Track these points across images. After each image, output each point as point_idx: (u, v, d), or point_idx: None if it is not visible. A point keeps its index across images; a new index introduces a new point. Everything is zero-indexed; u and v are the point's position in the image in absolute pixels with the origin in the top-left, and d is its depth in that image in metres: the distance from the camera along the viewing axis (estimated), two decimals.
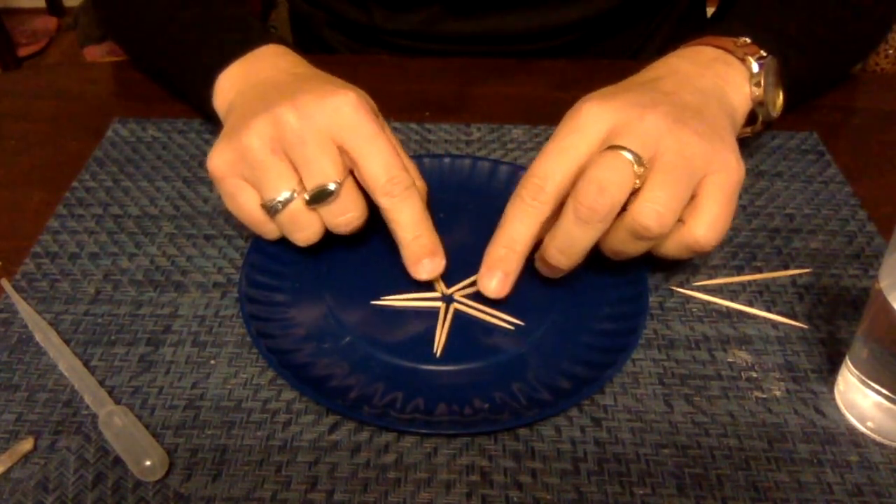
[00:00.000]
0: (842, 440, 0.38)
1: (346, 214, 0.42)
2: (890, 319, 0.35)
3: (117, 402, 0.40)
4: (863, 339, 0.38)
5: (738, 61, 0.48)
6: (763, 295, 0.46)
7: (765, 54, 0.48)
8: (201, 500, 0.36)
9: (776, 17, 0.53)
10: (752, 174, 0.55)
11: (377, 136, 0.42)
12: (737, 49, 0.48)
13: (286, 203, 0.42)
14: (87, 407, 0.39)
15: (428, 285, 0.46)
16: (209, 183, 0.54)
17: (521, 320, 0.44)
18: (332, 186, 0.41)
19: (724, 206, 0.40)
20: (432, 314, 0.44)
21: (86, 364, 0.41)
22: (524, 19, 0.69)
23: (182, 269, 0.47)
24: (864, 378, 0.38)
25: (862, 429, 0.39)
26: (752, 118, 0.49)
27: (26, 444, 0.37)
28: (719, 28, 0.52)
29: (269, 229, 0.44)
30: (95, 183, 0.54)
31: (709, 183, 0.40)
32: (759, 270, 0.48)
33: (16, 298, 0.45)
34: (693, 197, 0.40)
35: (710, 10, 0.82)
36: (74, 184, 0.54)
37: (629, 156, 0.39)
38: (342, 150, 0.42)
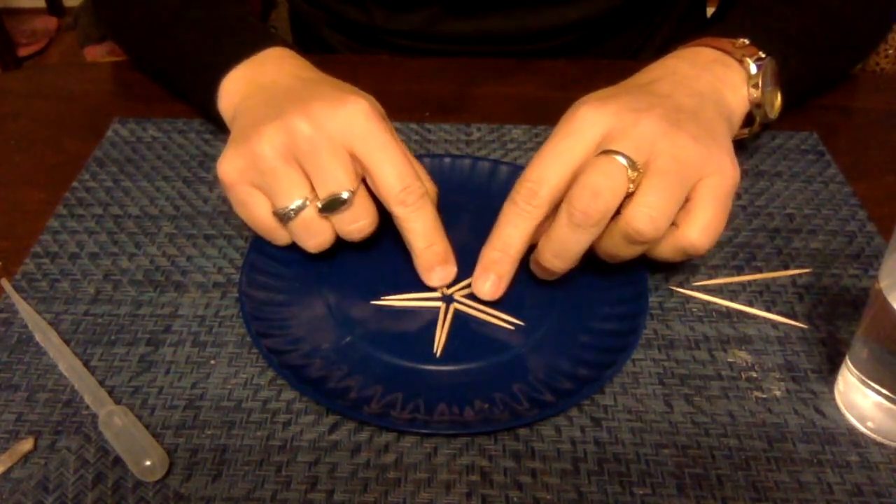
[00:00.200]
0: (842, 440, 0.38)
1: (358, 222, 0.43)
2: (890, 319, 0.35)
3: (117, 402, 0.40)
4: (863, 339, 0.38)
5: (737, 62, 0.48)
6: (763, 295, 0.46)
7: (763, 55, 0.48)
8: (201, 500, 0.36)
9: (775, 19, 0.53)
10: (752, 174, 0.55)
11: (390, 144, 0.42)
12: (735, 50, 0.48)
13: (298, 211, 0.42)
14: (87, 407, 0.39)
15: (429, 286, 0.46)
16: (209, 183, 0.54)
17: (521, 320, 0.44)
18: (345, 195, 0.41)
19: (719, 209, 0.40)
20: (432, 314, 0.44)
21: (86, 364, 0.41)
22: (524, 19, 0.69)
23: (182, 269, 0.47)
24: (864, 378, 0.38)
25: (862, 429, 0.39)
26: (749, 119, 0.49)
27: (26, 444, 0.37)
28: (718, 29, 0.52)
29: (279, 236, 0.44)
30: (95, 183, 0.54)
31: (703, 186, 0.40)
32: (759, 270, 0.48)
33: (16, 298, 0.45)
34: (687, 200, 0.40)
35: (710, 10, 0.82)
36: (74, 184, 0.54)
37: (623, 160, 0.39)
38: (354, 158, 0.42)
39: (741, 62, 0.48)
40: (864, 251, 0.49)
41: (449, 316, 0.44)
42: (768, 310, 0.45)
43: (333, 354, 0.42)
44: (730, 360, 0.42)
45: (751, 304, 0.45)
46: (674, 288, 0.46)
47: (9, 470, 0.37)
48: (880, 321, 0.36)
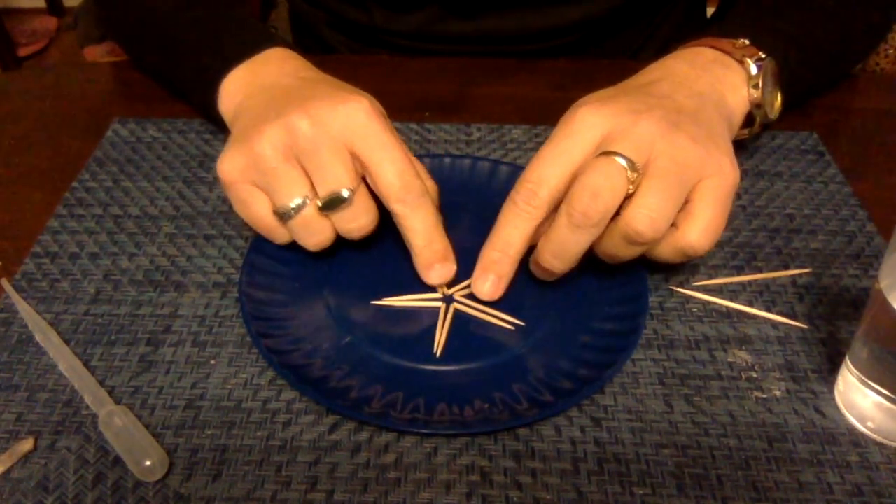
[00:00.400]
0: (842, 440, 0.38)
1: (358, 220, 0.43)
2: (890, 319, 0.35)
3: (117, 402, 0.40)
4: (863, 339, 0.38)
5: (737, 63, 0.48)
6: (763, 295, 0.46)
7: (763, 56, 0.48)
8: (201, 500, 0.36)
9: (775, 19, 0.53)
10: (752, 174, 0.55)
11: (390, 143, 0.42)
12: (735, 50, 0.48)
13: (299, 209, 0.42)
14: (87, 407, 0.39)
15: (429, 286, 0.46)
16: (209, 183, 0.54)
17: (522, 320, 0.44)
18: (345, 193, 0.41)
19: (718, 210, 0.40)
20: (432, 314, 0.44)
21: (86, 364, 0.41)
22: (524, 20, 0.69)
23: (182, 269, 0.47)
24: (864, 378, 0.38)
25: (862, 429, 0.39)
26: (750, 120, 0.49)
27: (26, 444, 0.37)
28: (718, 29, 0.52)
29: (280, 234, 0.44)
30: (95, 183, 0.54)
31: (703, 188, 0.40)
32: (759, 270, 0.48)
33: (16, 298, 0.45)
34: (687, 202, 0.40)
35: (710, 10, 0.82)
36: (74, 184, 0.54)
37: (623, 161, 0.39)
38: (354, 157, 0.42)
39: (741, 63, 0.48)
40: (864, 251, 0.49)
41: (449, 316, 0.44)
42: (768, 310, 0.45)
43: (333, 354, 0.42)
44: (730, 360, 0.42)
45: (751, 304, 0.45)
46: (674, 288, 0.46)
47: (9, 470, 0.37)
48: (880, 321, 0.36)
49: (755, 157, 0.57)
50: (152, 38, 0.58)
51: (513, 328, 0.44)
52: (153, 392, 0.40)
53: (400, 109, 0.61)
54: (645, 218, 0.38)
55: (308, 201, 0.42)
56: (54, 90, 0.65)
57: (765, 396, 0.40)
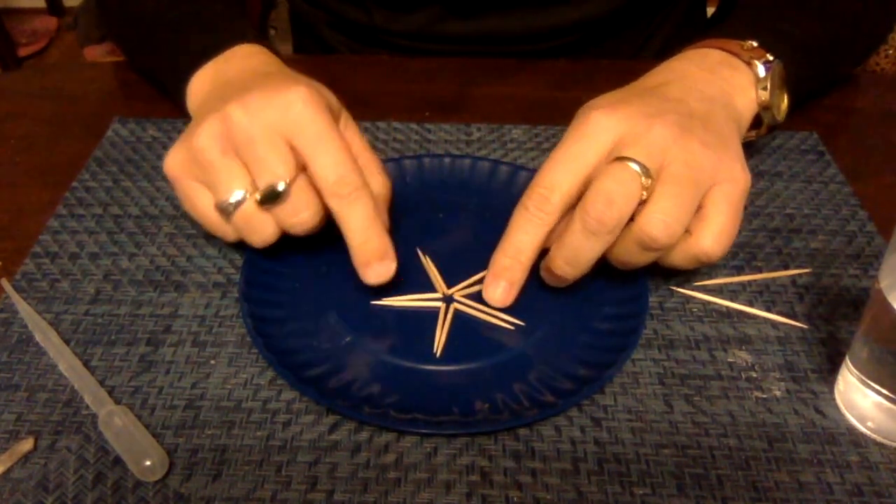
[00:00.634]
0: (842, 440, 0.38)
1: (298, 215, 0.41)
2: (890, 319, 0.35)
3: (117, 402, 0.40)
4: (863, 339, 0.38)
5: (745, 65, 0.48)
6: (763, 295, 0.46)
7: (771, 58, 0.48)
8: (201, 500, 0.36)
9: (781, 20, 0.53)
10: (752, 174, 0.54)
11: (326, 133, 0.41)
12: (743, 52, 0.48)
13: (238, 204, 0.41)
14: (87, 407, 0.39)
15: (428, 285, 0.46)
16: None
17: (522, 320, 0.44)
18: (281, 186, 0.40)
19: (731, 216, 0.40)
20: (432, 314, 0.44)
21: (86, 364, 0.41)
22: (524, 20, 0.69)
23: (182, 269, 0.47)
24: (864, 378, 0.38)
25: (862, 429, 0.39)
26: (757, 122, 0.49)
27: (26, 444, 0.37)
28: (725, 30, 0.51)
29: (225, 231, 0.43)
30: (95, 183, 0.54)
31: (715, 193, 0.40)
32: (759, 270, 0.48)
33: (16, 298, 0.45)
34: (700, 207, 0.40)
35: (710, 11, 0.82)
36: (74, 184, 0.54)
37: (636, 167, 0.39)
38: (293, 149, 0.41)
39: (749, 64, 0.48)
40: (864, 251, 0.49)
41: (449, 316, 0.44)
42: (768, 310, 0.45)
43: (333, 354, 0.42)
44: (730, 360, 0.42)
45: (751, 304, 0.45)
46: (674, 288, 0.46)
47: (9, 470, 0.37)
48: (880, 321, 0.36)
49: (755, 157, 0.57)
50: (140, 38, 0.58)
51: (513, 328, 0.44)
52: (153, 392, 0.40)
53: (400, 109, 0.61)
54: (660, 223, 0.38)
55: (248, 196, 0.41)
56: (54, 90, 0.65)
57: (765, 396, 0.40)
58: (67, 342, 0.42)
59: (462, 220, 0.51)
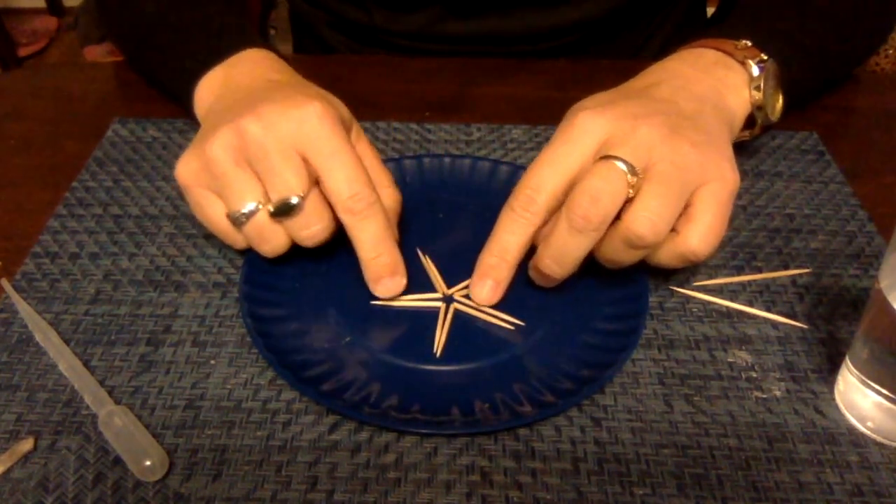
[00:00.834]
0: (842, 440, 0.38)
1: (310, 228, 0.42)
2: (890, 319, 0.35)
3: (117, 402, 0.40)
4: (863, 339, 0.38)
5: (739, 64, 0.48)
6: (763, 295, 0.46)
7: (765, 57, 0.48)
8: (201, 500, 0.36)
9: (778, 20, 0.53)
10: (752, 174, 0.55)
11: (341, 149, 0.41)
12: (737, 52, 0.48)
13: (251, 215, 0.41)
14: (87, 407, 0.39)
15: (428, 285, 0.46)
16: None
17: (522, 320, 0.44)
18: (294, 200, 0.40)
19: (718, 215, 0.40)
20: (432, 314, 0.44)
21: (86, 364, 0.41)
22: (525, 20, 0.69)
23: (182, 269, 0.47)
24: (864, 378, 0.38)
25: (862, 429, 0.39)
26: (751, 121, 0.49)
27: (26, 444, 0.37)
28: (720, 30, 0.51)
29: (235, 239, 0.44)
30: (95, 183, 0.54)
31: (703, 192, 0.40)
32: (759, 270, 0.48)
33: (16, 298, 0.45)
34: (687, 206, 0.40)
35: (710, 11, 0.82)
36: (74, 184, 0.54)
37: (622, 166, 0.39)
38: (307, 162, 0.41)
39: (743, 64, 0.48)
40: (864, 251, 0.49)
41: (449, 316, 0.44)
42: (768, 310, 0.45)
43: (333, 354, 0.42)
44: (730, 360, 0.42)
45: (751, 304, 0.45)
46: (674, 288, 0.46)
47: (9, 470, 0.37)
48: (880, 321, 0.36)
49: (755, 157, 0.57)
50: (142, 41, 0.58)
51: (513, 328, 0.44)
52: (153, 392, 0.40)
53: (400, 109, 0.61)
54: (645, 221, 0.38)
55: (261, 207, 0.41)
56: (54, 90, 0.65)
57: (765, 396, 0.40)
58: (67, 342, 0.42)
59: (462, 220, 0.51)
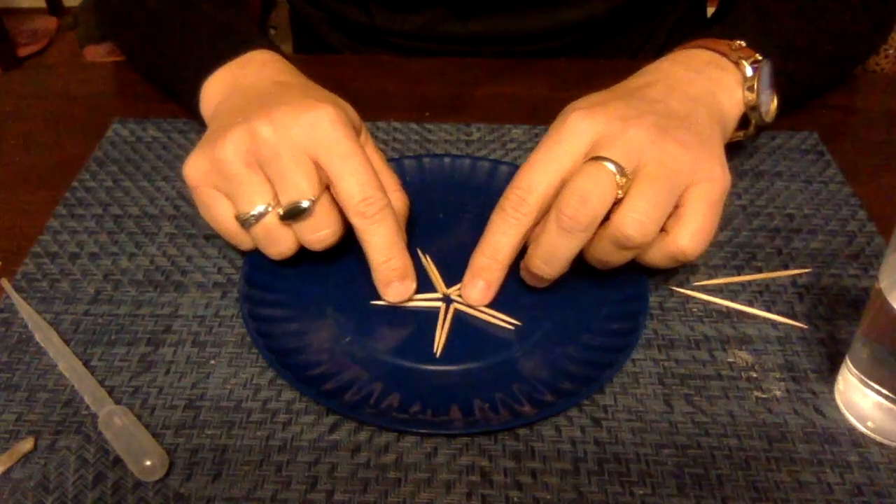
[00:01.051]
0: (842, 440, 0.38)
1: (319, 232, 0.42)
2: (890, 319, 0.35)
3: (117, 402, 0.40)
4: (863, 339, 0.38)
5: (732, 65, 0.48)
6: (763, 295, 0.46)
7: (759, 58, 0.48)
8: (201, 500, 0.36)
9: (773, 21, 0.53)
10: (752, 174, 0.55)
11: (353, 153, 0.41)
12: (731, 52, 0.48)
13: (260, 217, 0.41)
14: (87, 407, 0.39)
15: (428, 285, 0.46)
16: None
17: (521, 320, 0.44)
18: (305, 203, 0.41)
19: (708, 215, 0.40)
20: (432, 314, 0.44)
21: (86, 364, 0.41)
22: (525, 21, 0.69)
23: (182, 269, 0.47)
24: (864, 378, 0.38)
25: (862, 429, 0.39)
26: (745, 122, 0.49)
27: (26, 444, 0.37)
28: (716, 30, 0.51)
29: (243, 240, 0.44)
30: (95, 183, 0.54)
31: (693, 193, 0.40)
32: (759, 270, 0.48)
33: (16, 298, 0.45)
34: (677, 207, 0.40)
35: (710, 11, 0.82)
36: (74, 184, 0.54)
37: (612, 167, 0.39)
38: (318, 166, 0.41)
39: (737, 64, 0.48)
40: (864, 251, 0.49)
41: (449, 316, 0.44)
42: (768, 310, 0.45)
43: (333, 354, 0.42)
44: (730, 360, 0.42)
45: (751, 304, 0.45)
46: (674, 288, 0.46)
47: (9, 470, 0.37)
48: (880, 321, 0.36)
49: (755, 157, 0.57)
50: (144, 40, 0.58)
51: (513, 328, 0.44)
52: (153, 392, 0.40)
53: (400, 109, 0.61)
54: (634, 222, 0.39)
55: (270, 209, 0.41)
56: (54, 90, 0.65)
57: (765, 396, 0.40)
58: (67, 342, 0.42)
59: (462, 220, 0.51)
